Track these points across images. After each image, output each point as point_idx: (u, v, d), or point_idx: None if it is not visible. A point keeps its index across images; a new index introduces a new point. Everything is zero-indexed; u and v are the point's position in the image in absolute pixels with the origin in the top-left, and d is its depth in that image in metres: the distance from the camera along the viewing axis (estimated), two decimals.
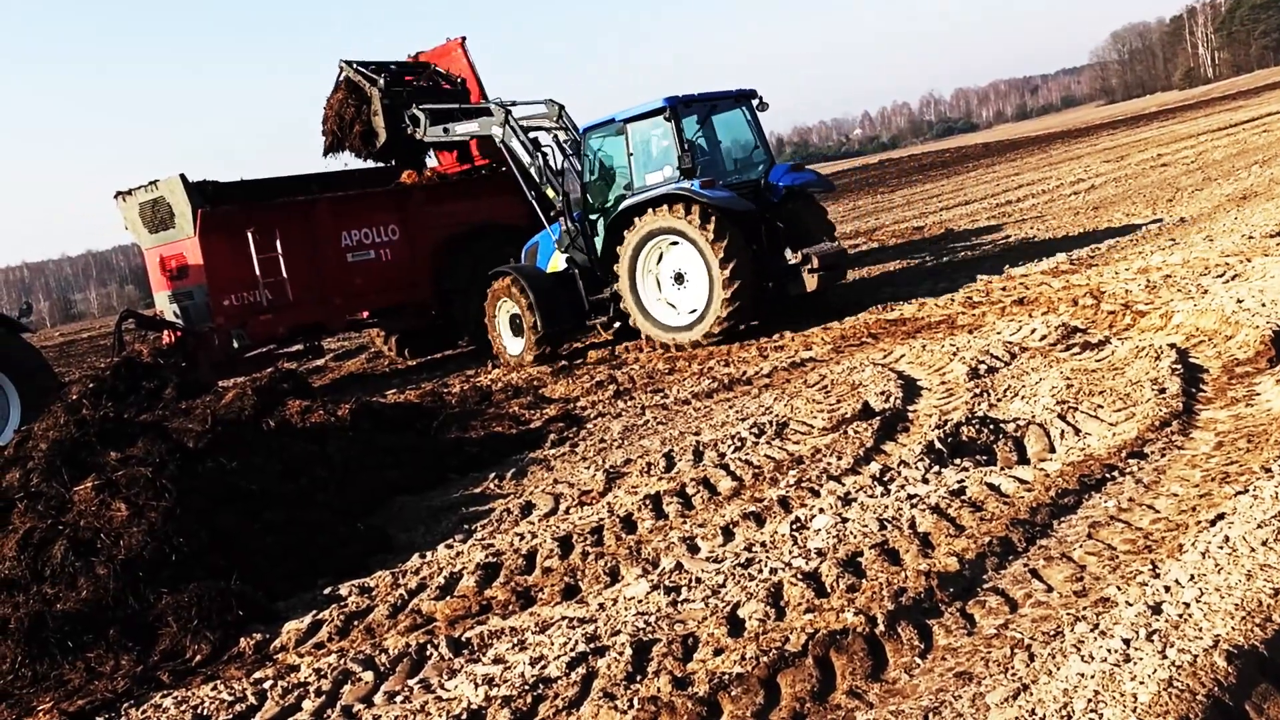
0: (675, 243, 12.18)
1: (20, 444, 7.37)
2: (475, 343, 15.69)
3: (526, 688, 4.26)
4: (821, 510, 5.75)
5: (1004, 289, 12.11)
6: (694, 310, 12.23)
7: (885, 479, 6.13)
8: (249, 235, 13.71)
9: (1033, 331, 9.35)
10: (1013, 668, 3.77)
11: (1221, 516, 4.65)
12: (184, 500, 6.27)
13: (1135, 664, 3.48)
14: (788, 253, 12.25)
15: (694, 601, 4.85)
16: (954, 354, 9.05)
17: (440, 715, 4.21)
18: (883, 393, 8.15)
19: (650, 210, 12.14)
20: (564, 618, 5.02)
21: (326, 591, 6.01)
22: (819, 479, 6.35)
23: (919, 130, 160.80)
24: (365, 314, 16.03)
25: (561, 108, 14.13)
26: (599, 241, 13.15)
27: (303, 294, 14.36)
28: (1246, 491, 4.86)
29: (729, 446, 7.48)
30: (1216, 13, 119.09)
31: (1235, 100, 57.46)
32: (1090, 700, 3.35)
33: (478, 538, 6.61)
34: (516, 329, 13.72)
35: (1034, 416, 6.79)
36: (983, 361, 8.51)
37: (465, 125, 14.68)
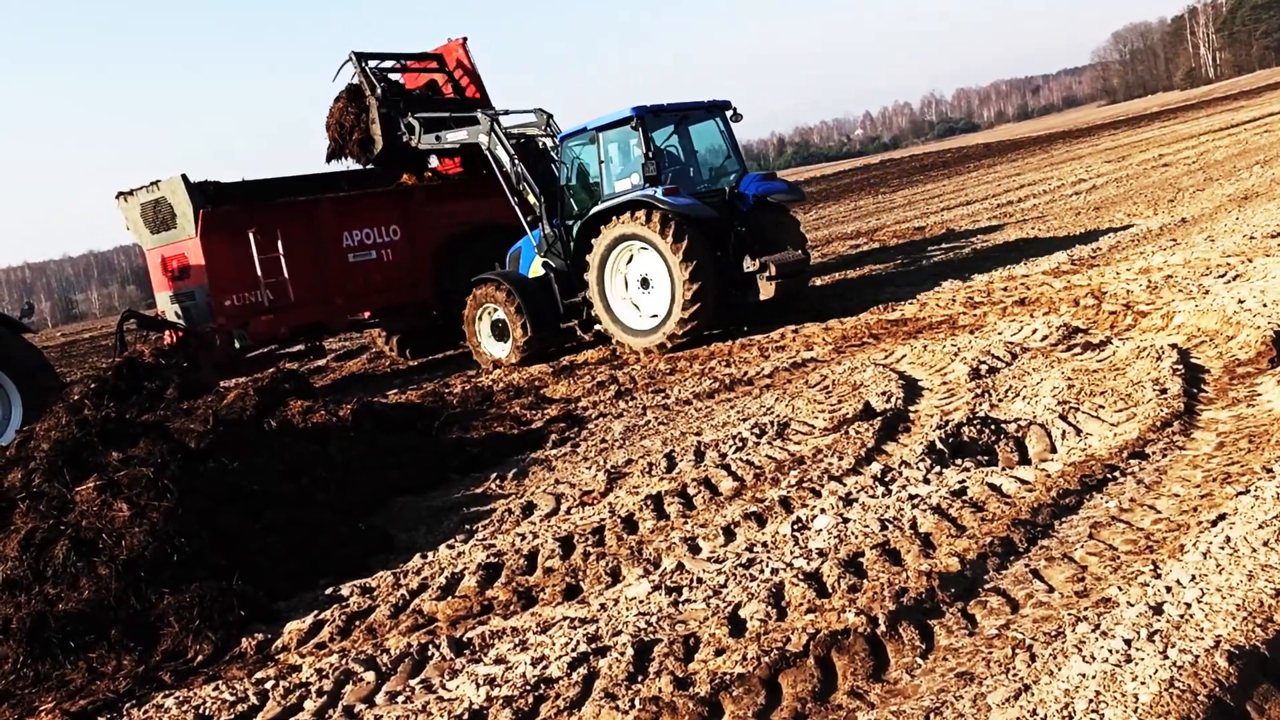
0: (641, 249, 12.46)
1: (22, 444, 7.37)
2: None
3: (528, 688, 4.26)
4: (823, 510, 5.75)
5: (1005, 289, 12.11)
6: (657, 315, 12.50)
7: (886, 479, 6.13)
8: (250, 235, 13.71)
9: (1034, 332, 9.35)
10: (1014, 668, 3.77)
11: (1223, 517, 4.65)
12: (186, 500, 6.27)
13: (1136, 664, 3.49)
14: (746, 260, 12.51)
15: (695, 602, 4.86)
16: (955, 354, 9.05)
17: (442, 715, 4.22)
18: (884, 393, 8.15)
19: (616, 217, 12.45)
20: (565, 618, 5.02)
21: (328, 592, 6.01)
22: (820, 479, 6.36)
23: (920, 130, 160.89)
24: (367, 314, 16.04)
25: (549, 116, 14.30)
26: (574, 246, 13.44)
27: (304, 294, 14.37)
28: (1248, 492, 4.86)
29: (730, 447, 7.49)
30: (1218, 13, 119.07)
31: (1237, 100, 57.44)
32: (1091, 701, 3.35)
33: (479, 538, 6.61)
34: (498, 333, 14.01)
35: (1035, 417, 6.79)
36: (984, 362, 8.51)
37: (455, 133, 14.87)
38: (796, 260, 12.61)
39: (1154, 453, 5.81)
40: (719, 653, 4.29)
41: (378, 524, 7.20)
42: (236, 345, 13.95)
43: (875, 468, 6.37)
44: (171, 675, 5.16)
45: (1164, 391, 6.65)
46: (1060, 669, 3.63)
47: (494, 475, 8.13)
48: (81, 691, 5.09)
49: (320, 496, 7.42)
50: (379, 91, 15.25)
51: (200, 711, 4.70)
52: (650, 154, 12.44)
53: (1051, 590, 4.40)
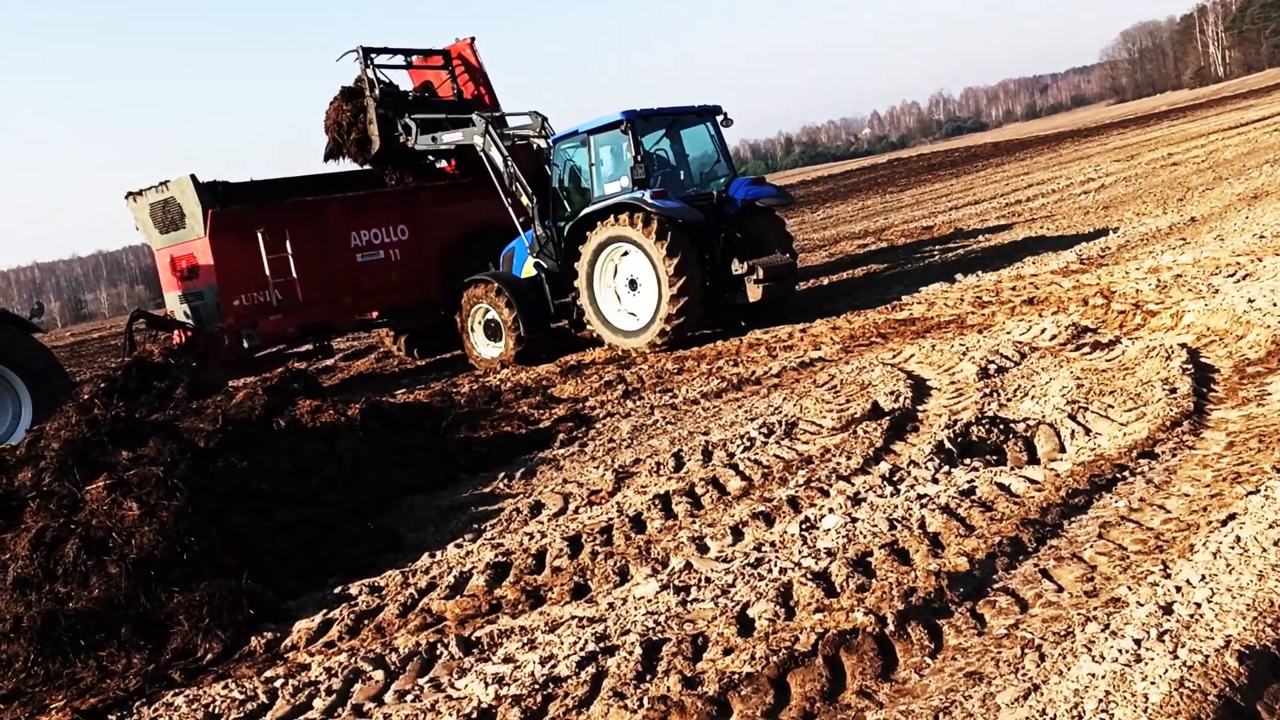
0: (630, 251, 12.65)
1: (32, 443, 7.41)
2: None
3: (536, 687, 4.27)
4: (831, 510, 5.75)
5: (1014, 288, 12.09)
6: (644, 316, 12.68)
7: (895, 479, 6.13)
8: (259, 235, 13.76)
9: (1043, 331, 9.33)
10: (1023, 668, 3.76)
11: (1233, 517, 4.63)
12: (195, 499, 6.29)
13: (1146, 664, 3.48)
14: (735, 263, 12.72)
15: (703, 601, 4.86)
16: (964, 354, 9.04)
17: (451, 714, 4.22)
18: (892, 392, 8.14)
19: (606, 219, 12.64)
20: (574, 617, 5.02)
21: (337, 590, 6.03)
22: (828, 479, 6.35)
23: (928, 130, 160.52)
24: (374, 314, 16.09)
25: (544, 119, 14.37)
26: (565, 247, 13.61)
27: (312, 294, 14.40)
28: (1258, 492, 4.85)
29: (738, 446, 7.48)
30: (1227, 11, 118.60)
31: (1246, 99, 57.22)
32: (1101, 700, 3.34)
33: (487, 537, 6.62)
34: (491, 333, 14.18)
35: (1044, 416, 6.78)
36: (992, 361, 8.49)
37: (451, 135, 14.97)
38: (783, 264, 12.83)
39: (1163, 452, 5.80)
40: (727, 652, 4.29)
41: (386, 523, 7.22)
42: (245, 345, 13.98)
43: (884, 467, 6.36)
44: (181, 673, 5.18)
45: (1173, 391, 6.63)
46: (1070, 669, 3.62)
47: (502, 475, 8.14)
48: (92, 689, 5.11)
49: (329, 496, 7.44)
50: (377, 91, 15.31)
51: (210, 710, 4.72)
52: (639, 158, 12.67)
53: (1061, 590, 4.40)
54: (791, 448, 7.28)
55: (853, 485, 6.16)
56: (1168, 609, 3.85)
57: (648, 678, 4.20)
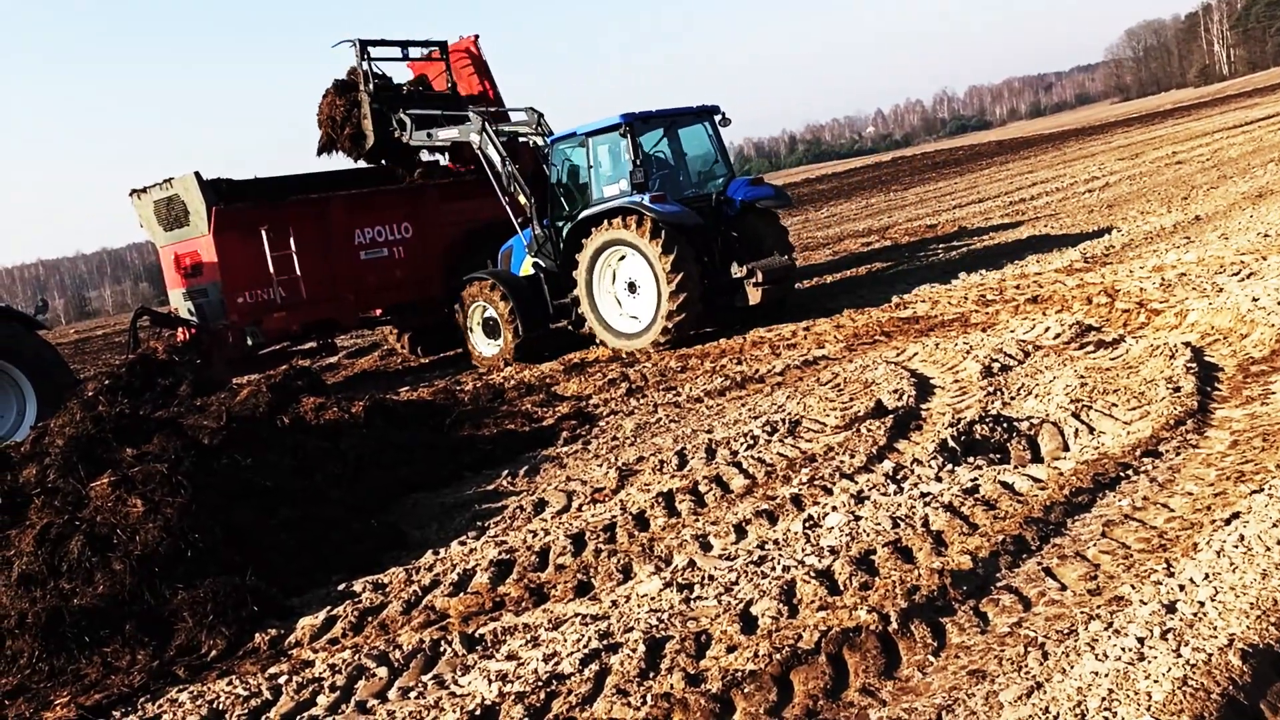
0: (629, 254, 12.70)
1: (37, 440, 7.42)
2: None
3: (540, 684, 4.27)
4: (834, 508, 5.75)
5: (1017, 287, 12.08)
6: (643, 319, 12.74)
7: (898, 477, 6.13)
8: (263, 233, 13.75)
9: (1046, 330, 9.33)
10: (1026, 666, 3.77)
11: (1236, 515, 4.64)
12: (199, 496, 6.31)
13: (1149, 662, 3.48)
14: (734, 267, 12.76)
15: (707, 599, 4.86)
16: (967, 352, 9.03)
17: (454, 711, 4.23)
18: (896, 391, 8.14)
19: (605, 222, 12.67)
20: (577, 614, 5.03)
21: (341, 588, 6.04)
22: (832, 477, 6.35)
23: (932, 128, 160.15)
24: (378, 311, 16.10)
25: (540, 115, 14.34)
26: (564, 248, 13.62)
27: (316, 291, 14.40)
28: (1262, 490, 4.85)
29: (741, 444, 7.49)
30: (1232, 9, 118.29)
31: (1251, 98, 57.10)
32: (1104, 699, 3.35)
33: (491, 535, 6.63)
34: (490, 331, 14.21)
35: (1048, 415, 6.78)
36: (996, 360, 8.49)
37: (446, 131, 14.94)
38: (782, 266, 12.84)
39: (1167, 451, 5.80)
40: (730, 650, 4.30)
41: (390, 520, 7.23)
42: (249, 342, 13.98)
43: (887, 465, 6.36)
44: (185, 670, 5.19)
45: (1177, 390, 6.63)
46: (1073, 667, 3.63)
47: (506, 472, 8.14)
48: (96, 685, 5.12)
49: (333, 493, 7.45)
50: (371, 85, 15.30)
51: (214, 706, 4.73)
52: (638, 161, 12.70)
53: (1064, 588, 4.40)
54: (795, 446, 7.28)
55: (856, 483, 6.16)
56: (1171, 608, 3.85)
57: (651, 675, 4.21)
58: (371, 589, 5.90)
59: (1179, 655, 3.47)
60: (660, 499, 6.52)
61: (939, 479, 5.98)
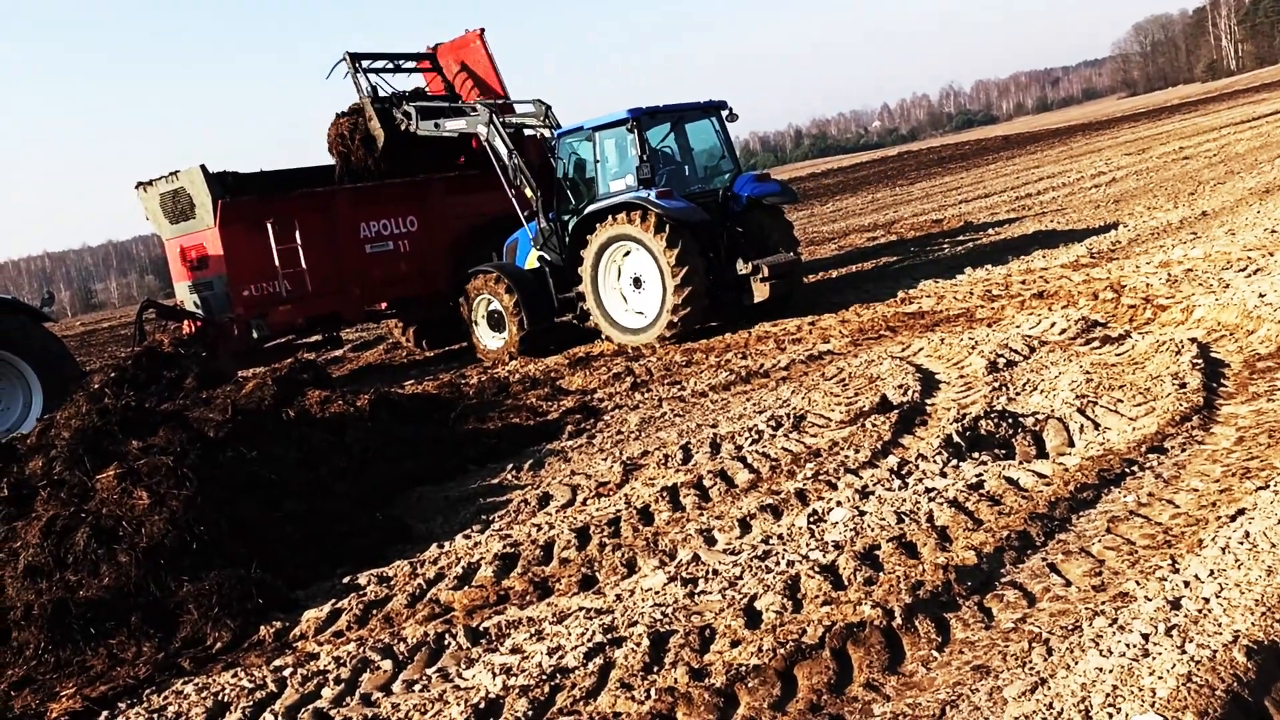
0: (631, 250, 12.71)
1: (43, 432, 7.44)
2: None
3: (544, 677, 4.28)
4: (839, 503, 5.75)
5: (1023, 282, 12.06)
6: (648, 314, 12.75)
7: (903, 472, 6.13)
8: (268, 226, 13.78)
9: (1052, 325, 9.31)
10: (1030, 661, 3.77)
11: (1242, 512, 4.63)
12: (205, 489, 6.32)
13: (1154, 659, 3.48)
14: (739, 263, 12.75)
15: (711, 593, 4.87)
16: (972, 347, 9.02)
17: (458, 704, 4.24)
18: (900, 386, 8.13)
19: (610, 217, 12.66)
20: (581, 608, 5.04)
21: (345, 580, 6.06)
22: (836, 472, 6.35)
23: (938, 122, 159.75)
24: (383, 305, 16.12)
25: (548, 108, 14.32)
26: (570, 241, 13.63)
27: (321, 285, 14.43)
28: (1267, 487, 4.84)
29: (746, 439, 7.49)
30: (1240, 4, 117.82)
31: (1258, 93, 56.89)
32: (1108, 695, 3.34)
33: (495, 528, 6.64)
34: (495, 324, 14.23)
35: (1053, 410, 6.77)
36: (1001, 355, 8.48)
37: (454, 122, 14.95)
38: (788, 262, 12.84)
39: (1173, 447, 5.79)
40: (735, 644, 4.30)
41: (395, 514, 7.24)
42: (254, 335, 14.01)
43: (892, 461, 6.36)
44: (191, 662, 5.21)
45: (1183, 386, 6.62)
46: (1077, 663, 3.63)
47: (510, 466, 8.15)
48: (102, 677, 5.14)
49: (338, 486, 7.46)
50: (369, 88, 15.35)
51: (219, 698, 4.74)
52: (645, 156, 12.67)
53: (1068, 584, 4.39)
54: (800, 441, 7.28)
55: (861, 478, 6.16)
56: (1176, 604, 3.85)
57: (655, 669, 4.21)
58: (376, 582, 5.91)
59: (1184, 651, 3.47)
60: (665, 493, 6.52)
61: (944, 474, 5.97)
